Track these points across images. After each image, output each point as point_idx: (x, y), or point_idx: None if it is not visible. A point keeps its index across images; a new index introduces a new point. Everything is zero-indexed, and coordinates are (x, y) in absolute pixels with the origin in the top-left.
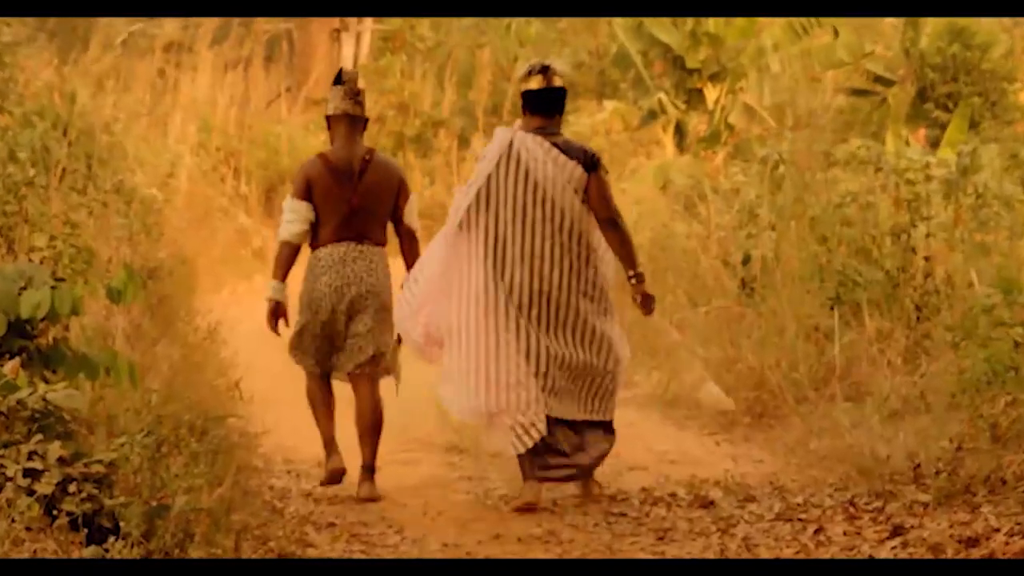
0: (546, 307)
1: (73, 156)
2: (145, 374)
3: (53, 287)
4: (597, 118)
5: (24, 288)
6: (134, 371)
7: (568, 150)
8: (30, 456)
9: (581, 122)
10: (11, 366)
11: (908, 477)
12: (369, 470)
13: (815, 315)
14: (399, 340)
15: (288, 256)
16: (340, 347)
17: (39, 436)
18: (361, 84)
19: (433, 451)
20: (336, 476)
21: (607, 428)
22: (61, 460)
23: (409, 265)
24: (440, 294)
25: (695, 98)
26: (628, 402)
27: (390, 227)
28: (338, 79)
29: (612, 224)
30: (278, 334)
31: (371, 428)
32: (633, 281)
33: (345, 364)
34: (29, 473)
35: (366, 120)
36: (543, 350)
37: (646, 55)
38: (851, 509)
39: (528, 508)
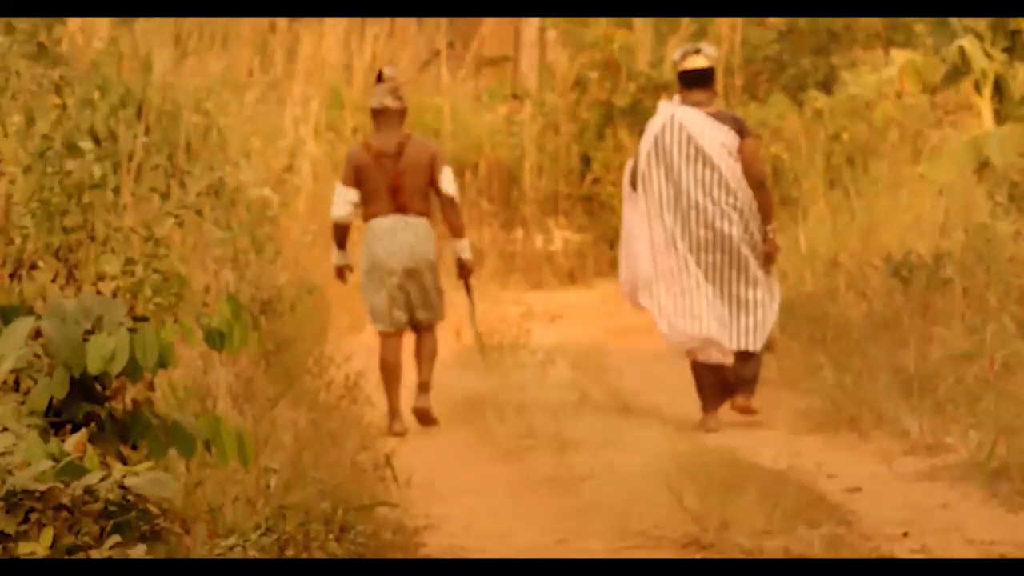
0: (716, 252)
1: (152, 146)
2: (260, 449)
3: (131, 329)
4: (882, 75)
5: (91, 332)
6: (245, 445)
7: (721, 118)
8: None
9: (861, 80)
10: (76, 441)
11: None
12: (424, 388)
13: None
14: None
15: (343, 233)
16: (404, 305)
17: (115, 537)
18: (400, 81)
19: (664, 547)
20: (398, 435)
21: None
22: None
23: (452, 229)
24: (631, 248)
25: (1022, 43)
26: (938, 473)
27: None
28: (379, 78)
29: (760, 185)
30: (345, 283)
31: (427, 356)
32: (770, 234)
33: (408, 321)
34: None
35: (405, 110)
36: (717, 290)
37: None
38: None
39: (708, 430)
